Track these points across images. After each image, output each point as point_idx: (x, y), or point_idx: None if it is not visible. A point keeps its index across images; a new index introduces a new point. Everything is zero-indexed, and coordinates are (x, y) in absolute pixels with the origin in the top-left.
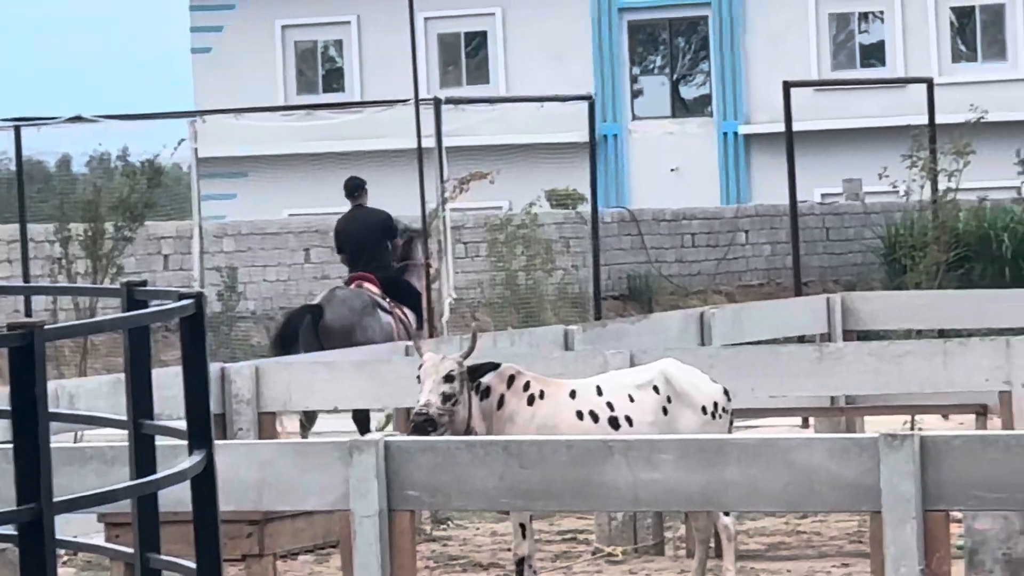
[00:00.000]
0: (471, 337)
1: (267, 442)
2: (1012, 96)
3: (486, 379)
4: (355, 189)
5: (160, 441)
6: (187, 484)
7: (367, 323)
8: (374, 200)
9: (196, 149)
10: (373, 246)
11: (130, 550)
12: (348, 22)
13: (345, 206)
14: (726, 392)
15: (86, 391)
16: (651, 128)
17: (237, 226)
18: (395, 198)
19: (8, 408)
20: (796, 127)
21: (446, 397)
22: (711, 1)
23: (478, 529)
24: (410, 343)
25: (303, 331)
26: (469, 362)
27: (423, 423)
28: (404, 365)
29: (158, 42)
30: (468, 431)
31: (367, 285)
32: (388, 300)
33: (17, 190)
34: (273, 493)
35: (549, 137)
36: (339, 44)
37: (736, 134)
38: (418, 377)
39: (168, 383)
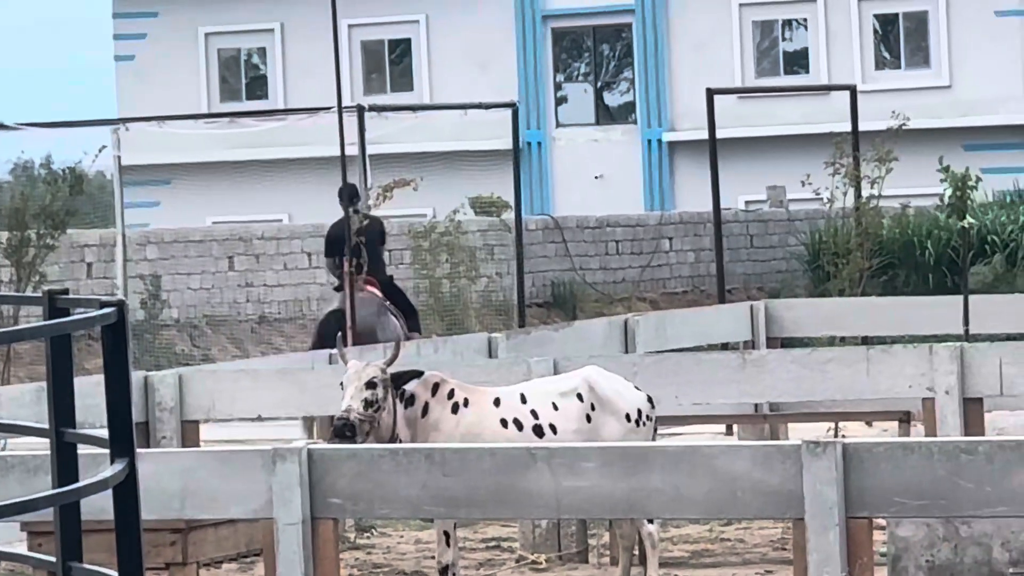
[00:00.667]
0: (395, 344)
1: (190, 450)
2: (935, 103)
3: (410, 386)
4: (351, 196)
5: (82, 450)
6: (109, 492)
7: (384, 323)
8: (295, 208)
9: (119, 157)
10: (369, 252)
11: (53, 559)
12: (271, 29)
13: (269, 213)
14: (650, 399)
15: (9, 399)
16: (575, 135)
17: (160, 234)
18: (318, 206)
19: None
20: (720, 134)
21: (368, 403)
22: (635, 8)
23: (402, 537)
24: (334, 351)
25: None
26: (393, 369)
27: (342, 427)
28: (327, 373)
29: (81, 49)
30: (393, 439)
31: (370, 288)
32: (388, 302)
33: None
34: (196, 501)
35: (473, 144)
36: (263, 51)
37: (660, 141)
38: (341, 384)
39: (91, 391)
